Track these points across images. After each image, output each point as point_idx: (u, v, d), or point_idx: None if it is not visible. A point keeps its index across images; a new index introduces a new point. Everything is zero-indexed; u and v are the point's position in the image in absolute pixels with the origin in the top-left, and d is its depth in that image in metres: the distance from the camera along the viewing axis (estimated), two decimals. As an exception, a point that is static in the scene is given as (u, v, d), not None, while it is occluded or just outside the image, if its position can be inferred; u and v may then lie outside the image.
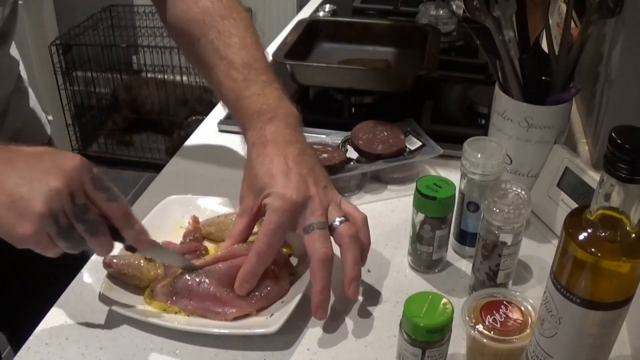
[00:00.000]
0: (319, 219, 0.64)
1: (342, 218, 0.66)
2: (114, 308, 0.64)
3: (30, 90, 0.99)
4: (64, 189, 0.54)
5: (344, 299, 0.69)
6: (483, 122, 1.01)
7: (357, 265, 0.65)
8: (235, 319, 0.65)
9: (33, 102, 0.99)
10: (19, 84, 0.94)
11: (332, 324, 0.66)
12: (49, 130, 1.04)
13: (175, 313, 0.66)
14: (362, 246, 0.66)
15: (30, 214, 0.54)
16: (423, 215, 0.69)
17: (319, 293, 0.63)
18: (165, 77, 2.79)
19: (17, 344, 0.64)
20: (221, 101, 0.79)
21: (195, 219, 0.75)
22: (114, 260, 0.66)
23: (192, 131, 1.03)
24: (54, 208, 0.54)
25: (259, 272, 0.64)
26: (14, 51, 0.91)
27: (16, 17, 0.85)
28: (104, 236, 0.58)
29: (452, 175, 0.76)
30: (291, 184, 0.64)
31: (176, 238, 0.74)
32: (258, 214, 0.66)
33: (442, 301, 0.55)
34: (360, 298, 0.70)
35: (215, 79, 0.75)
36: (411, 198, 0.70)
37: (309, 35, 1.15)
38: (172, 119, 2.75)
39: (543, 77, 0.78)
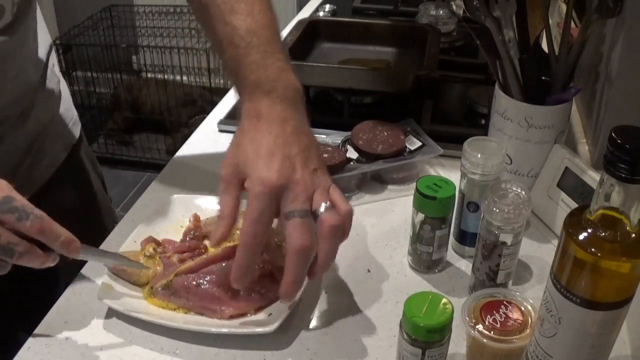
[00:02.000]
0: (301, 205, 0.61)
1: (327, 204, 0.62)
2: (114, 307, 0.65)
3: (62, 88, 0.97)
4: None
5: (344, 298, 0.69)
6: (483, 122, 1.02)
7: (331, 258, 0.62)
8: (232, 317, 0.65)
9: (64, 99, 0.98)
10: (45, 79, 0.92)
11: (332, 324, 0.66)
12: (77, 130, 1.01)
13: (174, 310, 0.66)
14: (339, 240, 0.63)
15: None
16: (423, 215, 0.69)
17: (288, 285, 0.60)
18: (166, 77, 2.79)
19: (15, 344, 0.64)
20: (225, 72, 0.75)
21: (196, 218, 0.76)
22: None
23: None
24: None
25: (251, 264, 0.61)
26: (40, 45, 0.88)
27: (30, 6, 0.81)
28: (26, 254, 0.58)
29: (452, 175, 0.76)
30: (273, 166, 0.61)
31: (177, 237, 0.74)
32: (241, 186, 0.63)
33: (442, 301, 0.55)
34: (360, 298, 0.70)
35: (219, 46, 0.71)
36: (411, 198, 0.70)
37: (309, 35, 1.15)
38: (172, 118, 2.76)
39: (543, 77, 0.78)
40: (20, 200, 0.57)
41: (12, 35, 0.78)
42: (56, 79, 0.95)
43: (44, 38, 0.91)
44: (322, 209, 0.61)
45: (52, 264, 0.60)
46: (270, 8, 0.72)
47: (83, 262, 0.73)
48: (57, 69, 0.95)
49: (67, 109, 0.99)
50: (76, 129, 1.01)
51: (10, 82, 0.81)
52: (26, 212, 0.57)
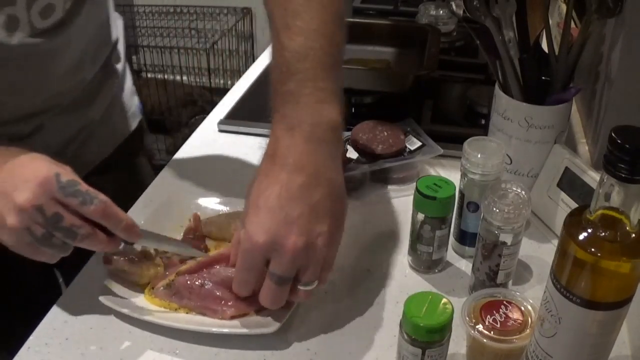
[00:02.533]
0: (282, 273, 0.58)
1: (313, 285, 0.60)
2: (114, 307, 0.65)
3: (123, 81, 0.98)
4: (28, 206, 0.56)
5: (344, 298, 0.69)
6: (483, 122, 1.02)
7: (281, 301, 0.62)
8: (233, 317, 0.65)
9: (126, 89, 0.99)
10: (108, 68, 0.92)
11: (332, 324, 0.66)
12: (136, 121, 1.01)
13: (176, 310, 0.66)
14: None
15: (5, 227, 0.57)
16: (423, 215, 0.69)
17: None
18: (166, 77, 2.79)
19: (14, 346, 0.64)
20: None
21: (196, 217, 0.76)
22: (114, 257, 0.67)
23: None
24: (24, 222, 0.57)
25: (245, 294, 0.63)
26: (102, 40, 0.89)
27: (84, 4, 0.80)
28: (89, 237, 0.59)
29: (452, 175, 0.76)
30: (266, 225, 0.57)
31: (177, 237, 0.74)
32: None
33: (442, 301, 0.55)
34: (360, 298, 0.70)
35: (271, 65, 0.64)
36: (411, 198, 0.70)
37: (309, 35, 1.15)
38: (173, 118, 2.76)
39: (543, 77, 0.78)
40: (84, 185, 0.59)
41: (62, 33, 0.77)
42: (116, 72, 0.95)
43: (107, 34, 0.90)
44: (303, 287, 0.60)
45: (116, 248, 0.62)
46: (334, 21, 0.64)
47: (83, 262, 0.73)
48: (120, 63, 0.95)
49: (125, 101, 0.99)
50: (133, 122, 1.01)
51: (59, 78, 0.82)
52: (90, 196, 0.58)
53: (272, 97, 0.62)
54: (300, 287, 0.60)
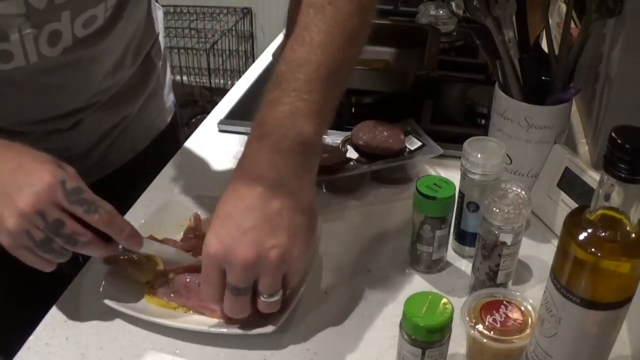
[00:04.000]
0: (235, 283, 0.58)
1: (271, 297, 0.59)
2: (114, 306, 0.65)
3: (166, 73, 1.00)
4: (30, 211, 0.56)
5: (344, 298, 0.69)
6: (483, 122, 1.02)
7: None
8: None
9: (164, 84, 1.00)
10: (148, 63, 0.93)
11: (332, 324, 0.66)
12: (170, 115, 1.03)
13: (175, 309, 0.66)
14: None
15: (5, 230, 0.57)
16: (423, 215, 0.69)
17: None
18: (166, 77, 2.79)
19: (12, 346, 0.64)
20: None
21: (196, 217, 0.76)
22: (114, 257, 0.67)
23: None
24: (23, 225, 0.56)
25: (213, 304, 0.63)
26: (141, 41, 0.90)
27: (124, 11, 0.80)
28: (89, 245, 0.59)
29: (452, 175, 0.76)
30: (219, 234, 0.57)
31: (177, 236, 0.74)
32: None
33: (442, 301, 0.55)
34: (360, 298, 0.70)
35: None
36: (411, 198, 0.70)
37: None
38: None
39: (543, 77, 0.78)
40: (90, 192, 0.59)
41: (103, 40, 0.78)
42: (156, 67, 0.95)
43: (148, 29, 0.91)
44: (264, 298, 0.60)
45: (113, 254, 0.63)
46: (345, 37, 0.61)
47: (83, 262, 0.73)
48: (159, 58, 0.96)
49: (162, 96, 1.00)
50: (168, 116, 1.02)
51: (100, 79, 0.83)
52: (95, 205, 0.58)
53: (261, 105, 0.61)
54: (262, 299, 0.60)
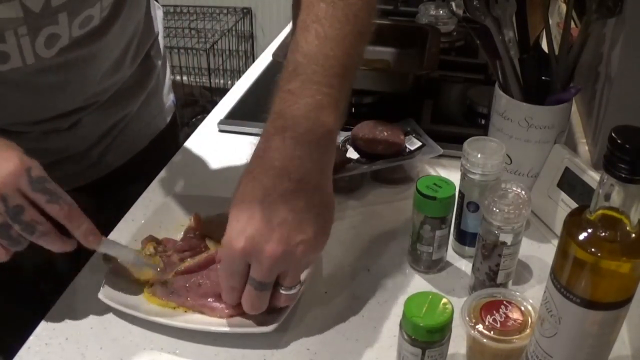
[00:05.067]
0: (261, 278, 0.58)
1: (294, 290, 0.61)
2: (114, 306, 0.65)
3: (166, 72, 1.00)
4: None
5: (344, 298, 0.69)
6: (483, 122, 1.01)
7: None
8: (232, 316, 0.65)
9: (164, 84, 1.00)
10: (148, 63, 0.93)
11: (332, 324, 0.66)
12: (170, 114, 1.03)
13: (174, 308, 0.66)
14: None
15: None
16: (423, 215, 0.69)
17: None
18: (166, 77, 2.79)
19: (13, 346, 0.64)
20: None
21: (196, 217, 0.75)
22: (114, 256, 0.67)
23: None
24: None
25: (234, 301, 0.63)
26: (140, 41, 0.89)
27: (121, 11, 0.80)
28: (47, 236, 0.59)
29: (452, 175, 0.76)
30: (246, 231, 0.56)
31: (177, 236, 0.74)
32: None
33: (442, 301, 0.55)
34: (360, 298, 0.70)
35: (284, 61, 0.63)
36: (411, 198, 0.70)
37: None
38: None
39: (543, 77, 0.78)
40: (53, 183, 0.58)
41: (99, 40, 0.78)
42: (155, 67, 0.95)
43: (147, 29, 0.91)
44: (284, 291, 0.60)
45: (69, 249, 0.62)
46: (355, 34, 0.62)
47: (83, 262, 0.73)
48: (159, 58, 0.96)
49: (162, 95, 1.00)
50: (168, 115, 1.02)
51: (98, 79, 0.83)
52: (57, 196, 0.58)
53: (274, 94, 0.60)
54: (282, 292, 0.61)
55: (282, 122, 0.58)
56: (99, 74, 0.82)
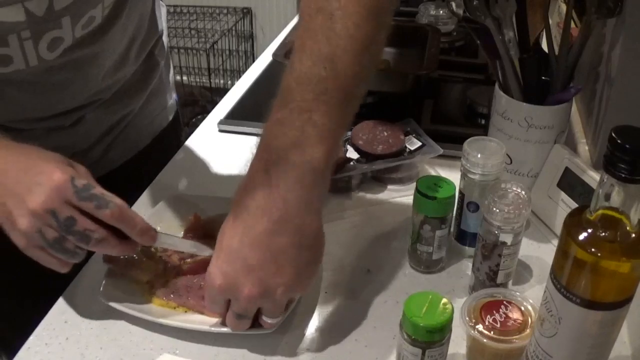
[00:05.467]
0: (240, 312, 0.59)
1: (276, 320, 0.62)
2: (115, 306, 0.65)
3: (169, 70, 1.00)
4: (41, 210, 0.55)
5: (344, 298, 0.69)
6: (483, 122, 1.02)
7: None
8: None
9: (167, 81, 1.00)
10: (151, 61, 0.93)
11: (332, 324, 0.66)
12: (172, 112, 1.03)
13: (174, 308, 0.66)
14: None
15: (18, 230, 0.57)
16: (423, 215, 0.69)
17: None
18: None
19: (13, 346, 0.64)
20: None
21: (196, 217, 0.76)
22: (114, 256, 0.67)
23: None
24: (36, 225, 0.56)
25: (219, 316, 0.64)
26: (143, 40, 0.89)
27: (123, 10, 0.80)
28: (103, 242, 0.58)
29: (452, 175, 0.76)
30: (224, 269, 0.57)
31: (177, 236, 0.74)
32: None
33: (442, 301, 0.55)
34: (360, 298, 0.70)
35: None
36: (411, 198, 0.70)
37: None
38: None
39: (543, 77, 0.78)
40: (99, 188, 0.58)
41: (101, 39, 0.78)
42: (158, 65, 0.95)
43: (150, 27, 0.91)
44: (267, 319, 0.61)
45: (131, 253, 0.62)
46: (356, 49, 0.54)
47: (83, 262, 0.73)
48: (163, 56, 0.96)
49: (164, 93, 1.00)
50: (170, 113, 1.02)
51: (100, 77, 0.83)
52: (105, 200, 0.58)
53: (266, 124, 0.56)
54: (265, 319, 0.62)
55: (267, 156, 0.55)
56: (102, 71, 0.82)
